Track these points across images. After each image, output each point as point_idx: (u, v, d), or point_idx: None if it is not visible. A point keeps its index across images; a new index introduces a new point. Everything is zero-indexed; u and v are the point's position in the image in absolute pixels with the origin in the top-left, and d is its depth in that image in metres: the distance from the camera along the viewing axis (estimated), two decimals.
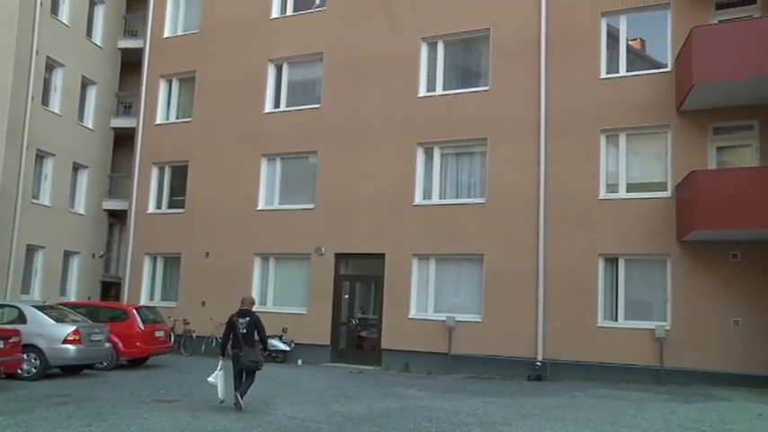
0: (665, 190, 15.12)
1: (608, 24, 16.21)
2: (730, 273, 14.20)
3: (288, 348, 17.61)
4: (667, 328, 14.54)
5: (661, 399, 12.30)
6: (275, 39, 19.99)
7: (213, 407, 10.58)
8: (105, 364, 14.84)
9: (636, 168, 15.87)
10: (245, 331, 10.44)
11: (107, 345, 14.62)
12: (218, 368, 10.57)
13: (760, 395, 12.50)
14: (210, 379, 10.59)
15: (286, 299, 18.88)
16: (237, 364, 10.42)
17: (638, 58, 16.55)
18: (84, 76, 22.63)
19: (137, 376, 14.25)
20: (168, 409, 10.52)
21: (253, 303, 11.17)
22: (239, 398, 10.29)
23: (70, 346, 13.40)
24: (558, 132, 16.05)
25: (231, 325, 10.56)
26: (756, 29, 13.75)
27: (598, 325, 15.27)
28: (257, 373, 10.72)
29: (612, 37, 16.23)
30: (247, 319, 10.56)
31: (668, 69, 15.35)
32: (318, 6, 19.84)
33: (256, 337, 10.61)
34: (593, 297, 15.38)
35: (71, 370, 14.12)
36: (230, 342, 10.59)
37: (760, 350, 13.58)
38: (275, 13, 20.30)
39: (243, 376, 10.53)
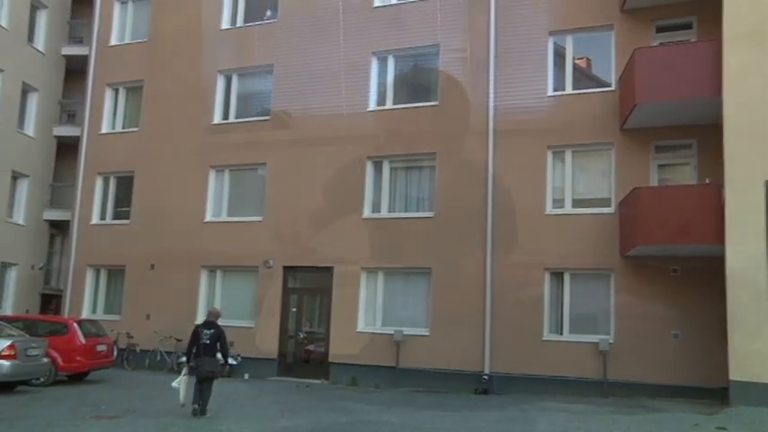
0: (609, 206, 15.46)
1: (555, 43, 16.57)
2: (671, 287, 14.57)
3: (235, 362, 17.32)
4: (610, 341, 14.82)
5: (604, 411, 12.51)
6: (225, 49, 19.81)
7: (156, 422, 10.34)
8: (42, 379, 14.33)
9: (581, 184, 16.19)
10: (208, 342, 10.90)
11: (45, 360, 14.12)
12: (183, 374, 11.05)
13: (697, 406, 12.81)
14: (174, 384, 10.98)
15: (233, 312, 18.49)
16: (196, 372, 10.85)
17: (583, 76, 16.94)
18: (24, 83, 22.02)
19: (76, 392, 13.83)
20: (109, 425, 10.24)
21: (218, 316, 11.66)
22: (197, 408, 10.65)
23: (4, 362, 12.90)
24: (505, 148, 16.27)
25: (196, 335, 11.04)
26: (692, 52, 14.26)
27: (544, 338, 15.46)
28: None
29: (559, 55, 16.59)
30: (212, 330, 11.06)
31: (612, 88, 15.75)
32: (269, 18, 19.76)
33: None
34: (539, 311, 15.59)
35: (5, 387, 13.57)
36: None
37: (698, 363, 13.93)
38: (225, 23, 20.13)
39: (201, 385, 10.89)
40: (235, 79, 19.81)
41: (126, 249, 19.77)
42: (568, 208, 15.96)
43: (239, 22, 20.10)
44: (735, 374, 12.23)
